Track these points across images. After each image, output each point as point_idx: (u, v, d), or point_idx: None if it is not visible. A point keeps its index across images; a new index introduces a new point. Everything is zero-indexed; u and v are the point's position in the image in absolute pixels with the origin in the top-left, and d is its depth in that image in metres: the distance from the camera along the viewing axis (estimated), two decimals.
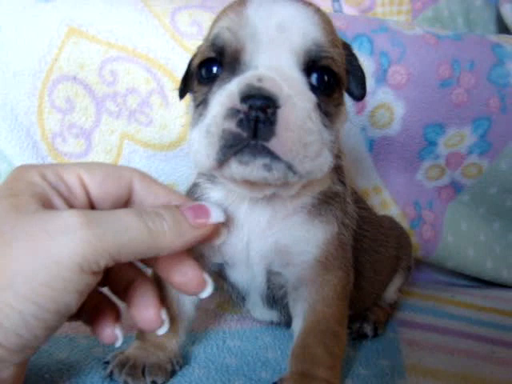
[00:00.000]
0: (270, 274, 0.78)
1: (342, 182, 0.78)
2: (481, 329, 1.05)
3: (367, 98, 1.14)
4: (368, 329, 0.95)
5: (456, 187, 1.27)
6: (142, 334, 0.77)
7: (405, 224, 1.22)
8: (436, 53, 1.17)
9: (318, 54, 0.62)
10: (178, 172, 1.15)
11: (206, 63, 0.66)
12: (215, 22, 0.68)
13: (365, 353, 0.90)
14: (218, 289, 0.88)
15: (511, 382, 0.83)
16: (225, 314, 1.00)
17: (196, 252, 0.76)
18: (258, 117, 0.56)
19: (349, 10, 1.87)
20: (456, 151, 1.22)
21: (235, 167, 0.59)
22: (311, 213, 0.73)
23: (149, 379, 0.71)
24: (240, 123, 0.57)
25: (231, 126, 0.57)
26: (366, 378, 0.81)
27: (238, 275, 0.80)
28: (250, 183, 0.63)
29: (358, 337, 0.94)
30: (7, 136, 1.09)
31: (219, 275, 0.83)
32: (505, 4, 1.74)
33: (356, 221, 0.82)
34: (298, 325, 0.75)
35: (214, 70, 0.64)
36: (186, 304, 0.80)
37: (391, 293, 1.05)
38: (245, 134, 0.56)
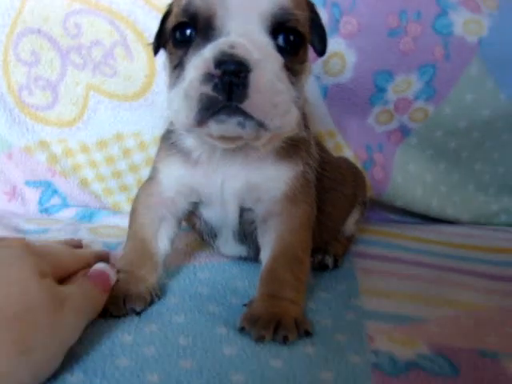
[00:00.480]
0: (242, 211, 0.86)
1: (307, 128, 0.85)
2: (429, 258, 1.17)
3: None
4: (329, 261, 1.05)
5: (404, 131, 1.37)
6: (123, 268, 0.84)
7: (358, 166, 1.32)
8: (385, 3, 1.25)
9: (283, 16, 0.68)
10: (143, 121, 1.21)
11: (180, 27, 0.71)
12: None
13: (325, 280, 0.99)
14: (189, 229, 0.96)
15: (454, 300, 0.94)
16: (194, 251, 1.08)
17: (175, 192, 0.84)
18: (231, 81, 0.62)
19: None
20: (404, 97, 1.31)
21: (213, 126, 0.66)
22: (279, 154, 0.82)
23: (129, 306, 0.78)
24: (215, 87, 0.63)
25: (208, 90, 0.63)
26: (326, 299, 0.91)
27: (213, 213, 0.88)
28: (225, 138, 0.70)
29: (319, 267, 1.04)
30: None
31: (193, 213, 0.90)
32: None
33: (318, 162, 0.90)
34: (266, 253, 0.84)
35: (188, 33, 0.70)
36: (163, 242, 0.87)
37: (350, 226, 1.16)
38: (220, 98, 0.63)
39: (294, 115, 0.70)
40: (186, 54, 0.70)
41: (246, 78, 0.63)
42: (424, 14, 1.27)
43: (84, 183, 1.23)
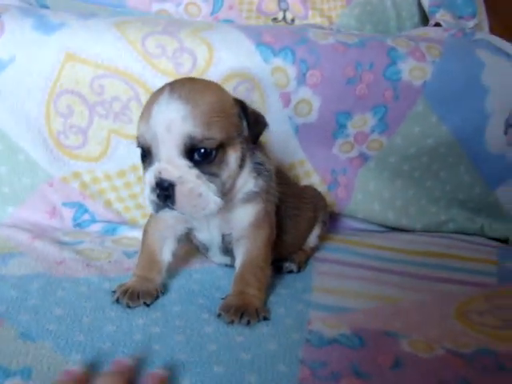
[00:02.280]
0: (223, 235, 1.20)
1: (265, 181, 1.17)
2: (376, 262, 1.45)
3: (292, 95, 1.53)
4: (294, 267, 1.38)
5: (363, 157, 1.67)
6: (138, 272, 1.19)
7: (324, 187, 1.64)
8: (343, 58, 1.55)
9: (193, 143, 0.98)
10: None
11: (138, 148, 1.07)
12: (139, 120, 1.05)
13: (287, 280, 1.31)
14: (186, 242, 1.29)
15: (382, 295, 1.24)
16: (192, 259, 1.40)
17: (174, 220, 1.17)
18: (165, 194, 0.98)
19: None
20: (361, 131, 1.62)
21: (166, 213, 1.05)
22: (244, 200, 1.14)
23: (142, 300, 1.12)
24: (158, 197, 0.99)
25: (154, 198, 1.00)
26: (284, 295, 1.22)
27: (202, 236, 1.22)
28: None
29: (287, 272, 1.37)
30: (25, 134, 1.46)
31: (189, 234, 1.24)
32: None
33: (278, 197, 1.22)
34: (238, 263, 1.18)
35: (142, 152, 1.05)
36: (166, 254, 1.21)
37: (312, 239, 1.48)
38: (161, 204, 1.00)
39: (213, 206, 1.02)
40: (145, 166, 1.05)
41: (173, 190, 0.97)
42: (376, 64, 1.58)
43: (108, 203, 1.57)
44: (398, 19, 2.38)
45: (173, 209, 1.00)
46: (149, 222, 1.22)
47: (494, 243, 1.72)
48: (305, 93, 1.54)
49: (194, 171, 1.00)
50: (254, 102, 1.53)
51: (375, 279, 1.35)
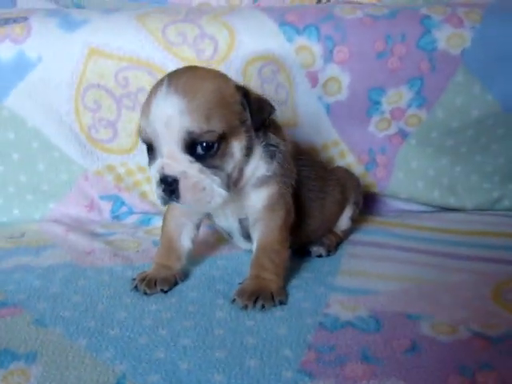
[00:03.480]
0: (240, 220, 1.18)
1: (279, 163, 1.13)
2: (411, 243, 1.39)
3: (319, 74, 1.49)
4: (322, 251, 1.33)
5: (403, 134, 1.58)
6: (157, 260, 1.19)
7: (361, 167, 1.58)
8: (372, 31, 1.48)
9: (192, 138, 0.96)
10: None
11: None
12: (140, 115, 1.03)
13: (314, 264, 1.28)
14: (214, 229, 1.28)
15: (407, 276, 1.18)
16: (220, 245, 1.40)
17: (188, 209, 1.17)
18: (170, 188, 0.98)
19: None
20: (397, 107, 1.54)
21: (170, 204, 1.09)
22: (257, 185, 1.11)
23: (159, 287, 1.12)
24: (163, 191, 0.99)
25: (160, 191, 1.00)
26: (307, 278, 1.19)
27: (221, 222, 1.21)
28: None
29: (316, 257, 1.33)
30: (57, 130, 1.51)
31: (203, 220, 1.23)
32: None
33: (296, 180, 1.18)
34: (254, 247, 1.15)
35: (146, 147, 1.04)
36: (185, 241, 1.20)
37: (343, 221, 1.42)
38: (167, 198, 1.00)
39: (218, 198, 1.01)
40: (150, 160, 1.05)
41: (177, 185, 0.97)
42: (408, 35, 1.49)
43: (143, 195, 1.59)
44: None
45: (178, 202, 1.00)
46: (168, 210, 1.22)
47: None
48: (332, 70, 1.49)
49: (197, 165, 0.99)
50: (281, 84, 1.50)
51: (409, 261, 1.28)
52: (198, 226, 1.22)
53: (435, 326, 0.96)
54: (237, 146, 1.03)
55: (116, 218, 1.60)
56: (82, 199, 1.59)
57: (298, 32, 1.47)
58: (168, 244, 1.20)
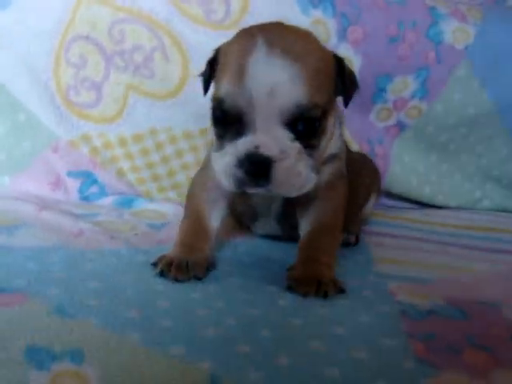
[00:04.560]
0: (287, 199, 1.01)
1: (341, 140, 1.02)
2: (426, 235, 1.34)
3: None
4: (352, 239, 1.22)
5: (401, 126, 1.54)
6: (182, 241, 0.99)
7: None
8: (385, 14, 1.42)
9: (300, 112, 0.80)
10: (174, 117, 1.35)
11: (217, 111, 0.85)
12: (224, 69, 0.85)
13: (345, 252, 1.16)
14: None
15: (452, 266, 1.11)
16: (231, 231, 1.23)
17: None
18: (258, 171, 0.80)
19: None
20: (401, 96, 1.49)
21: (249, 190, 0.85)
22: (324, 162, 0.96)
23: (192, 273, 0.92)
24: (246, 173, 0.80)
25: (240, 174, 0.81)
26: (348, 266, 1.07)
27: (259, 199, 1.04)
28: None
29: (343, 244, 1.19)
30: (28, 88, 1.25)
31: (239, 199, 1.06)
32: None
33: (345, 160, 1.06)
34: (305, 226, 1.00)
35: (224, 119, 0.84)
36: (216, 219, 1.02)
37: (368, 209, 1.33)
38: (250, 181, 0.81)
39: (310, 183, 0.86)
40: (224, 133, 0.85)
41: (269, 168, 0.80)
42: (419, 23, 1.45)
43: (120, 173, 1.37)
44: None
45: (263, 187, 0.82)
46: (194, 183, 1.04)
47: None
48: (346, 50, 1.40)
49: (296, 145, 0.82)
50: None
51: (438, 251, 1.22)
52: (229, 203, 1.05)
53: None
54: (331, 123, 0.89)
55: (85, 199, 1.36)
56: (46, 174, 1.33)
57: (314, 5, 1.36)
58: (197, 221, 1.01)
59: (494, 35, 1.52)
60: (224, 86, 0.83)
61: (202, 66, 1.18)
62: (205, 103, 1.26)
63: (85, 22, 1.23)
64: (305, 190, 0.86)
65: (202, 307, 0.82)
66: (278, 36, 0.83)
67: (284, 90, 0.79)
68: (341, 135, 1.01)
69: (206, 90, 0.97)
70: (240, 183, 0.82)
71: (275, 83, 0.78)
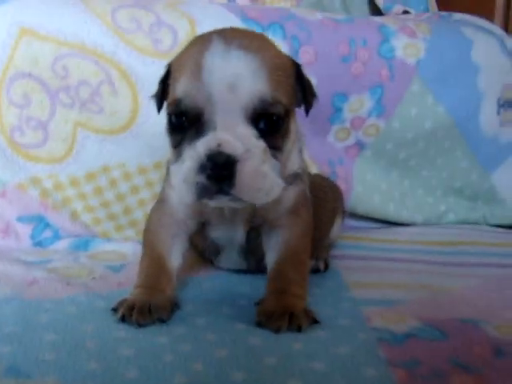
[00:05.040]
0: (250, 229, 0.97)
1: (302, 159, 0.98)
2: (394, 254, 1.31)
3: None
4: (321, 265, 1.17)
5: (359, 145, 1.52)
6: (142, 283, 0.93)
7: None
8: (336, 34, 1.41)
9: (263, 107, 0.76)
10: (128, 152, 1.29)
11: (175, 115, 0.80)
12: (179, 72, 0.80)
13: (314, 279, 1.11)
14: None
15: (426, 284, 1.08)
16: (194, 266, 1.16)
17: (186, 214, 0.94)
18: (221, 172, 0.73)
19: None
20: (358, 115, 1.47)
21: (209, 203, 0.79)
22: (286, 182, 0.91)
23: (155, 316, 0.86)
24: (208, 177, 0.74)
25: (202, 179, 0.74)
26: (320, 294, 1.02)
27: (220, 233, 0.98)
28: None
29: (312, 271, 1.13)
30: None
31: (199, 234, 1.00)
32: None
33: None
34: (272, 257, 0.95)
35: (183, 121, 0.79)
36: (177, 257, 0.96)
37: (334, 232, 1.27)
38: (213, 187, 0.74)
39: (277, 188, 0.80)
40: (182, 139, 0.79)
41: (232, 169, 0.73)
42: (370, 41, 1.44)
43: (74, 215, 1.30)
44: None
45: (227, 194, 0.75)
46: (151, 219, 0.98)
47: (501, 230, 1.61)
48: None
49: (261, 144, 0.77)
50: None
51: (409, 270, 1.20)
52: (189, 238, 0.99)
53: (499, 329, 0.87)
54: (293, 127, 0.85)
55: (38, 244, 1.28)
56: None
57: (263, 28, 1.33)
58: (156, 262, 0.94)
59: (442, 49, 1.52)
60: (181, 85, 0.78)
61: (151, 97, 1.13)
62: (159, 134, 1.23)
63: (26, 58, 1.16)
64: (272, 197, 0.80)
65: (169, 352, 0.76)
66: (233, 34, 0.81)
67: (245, 83, 0.75)
68: (301, 153, 0.97)
69: (159, 109, 0.92)
70: (201, 191, 0.75)
71: (235, 76, 0.75)
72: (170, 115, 0.81)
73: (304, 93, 0.88)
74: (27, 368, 0.71)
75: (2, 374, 0.69)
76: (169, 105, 0.82)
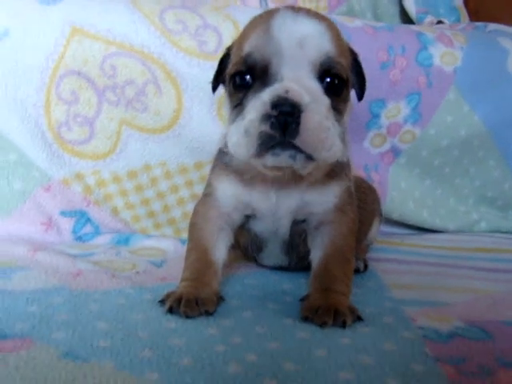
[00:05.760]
0: (295, 223, 0.97)
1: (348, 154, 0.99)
2: (429, 259, 1.32)
3: None
4: (361, 265, 1.18)
5: (395, 152, 1.53)
6: (189, 276, 0.95)
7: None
8: (375, 41, 1.43)
9: (329, 64, 0.79)
10: (169, 152, 1.32)
11: (240, 74, 0.82)
12: (245, 36, 0.84)
13: (355, 279, 1.11)
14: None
15: (467, 288, 1.09)
16: (235, 263, 1.19)
17: (231, 207, 0.95)
18: (286, 120, 0.73)
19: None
20: (394, 121, 1.48)
21: (269, 158, 0.77)
22: (328, 174, 0.94)
23: (202, 309, 0.87)
24: (272, 126, 0.74)
25: (266, 128, 0.74)
26: (361, 293, 1.04)
27: (264, 226, 0.99)
28: (277, 167, 0.81)
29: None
30: (18, 127, 1.21)
31: (242, 227, 1.01)
32: None
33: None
34: (317, 255, 0.96)
35: (247, 79, 0.81)
36: (222, 251, 0.98)
37: (372, 234, 1.29)
38: (276, 134, 0.74)
39: (338, 148, 0.79)
40: (245, 96, 0.81)
41: (298, 117, 0.73)
42: (408, 48, 1.46)
43: (115, 211, 1.33)
44: None
45: (288, 148, 0.75)
46: (197, 213, 1.00)
47: None
48: None
49: (326, 99, 0.79)
50: None
51: (448, 274, 1.20)
52: (234, 233, 1.01)
53: None
54: (349, 105, 0.87)
55: (79, 239, 1.31)
56: (38, 215, 1.28)
57: None
58: (202, 254, 0.96)
59: (479, 58, 1.53)
60: (250, 41, 0.81)
61: (195, 98, 1.17)
62: (199, 136, 1.26)
63: (76, 57, 1.20)
64: (332, 155, 0.79)
65: (220, 343, 0.78)
66: (296, 8, 0.84)
67: (314, 41, 0.78)
68: (346, 146, 0.98)
69: (214, 89, 0.96)
70: (264, 141, 0.75)
71: (304, 34, 0.78)
72: (233, 76, 0.83)
73: (360, 78, 0.92)
74: (84, 353, 0.73)
75: (61, 357, 0.71)
76: (233, 65, 0.84)
